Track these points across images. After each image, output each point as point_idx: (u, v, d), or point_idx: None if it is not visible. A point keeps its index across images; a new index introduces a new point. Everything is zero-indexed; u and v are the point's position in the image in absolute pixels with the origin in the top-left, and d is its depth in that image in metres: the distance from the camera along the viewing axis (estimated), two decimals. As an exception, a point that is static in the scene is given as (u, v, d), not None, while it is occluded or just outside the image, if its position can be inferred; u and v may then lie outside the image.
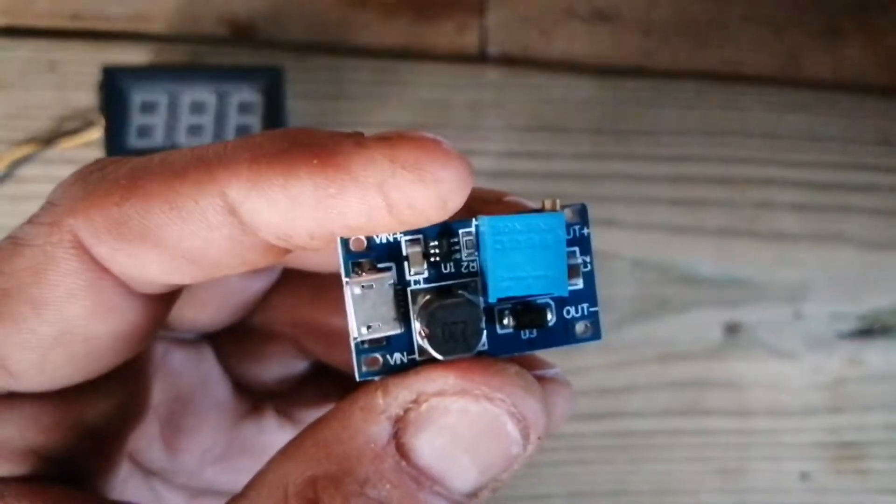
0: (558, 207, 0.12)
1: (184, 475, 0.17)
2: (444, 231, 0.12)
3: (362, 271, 0.12)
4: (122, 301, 0.13)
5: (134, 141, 0.39)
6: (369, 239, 0.12)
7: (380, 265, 0.12)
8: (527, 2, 0.44)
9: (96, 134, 0.39)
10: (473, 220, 0.12)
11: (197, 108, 0.39)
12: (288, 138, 0.12)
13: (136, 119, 0.38)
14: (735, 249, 0.44)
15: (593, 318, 0.13)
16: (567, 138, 0.43)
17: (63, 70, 0.40)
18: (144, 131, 0.39)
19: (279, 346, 0.17)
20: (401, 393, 0.12)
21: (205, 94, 0.39)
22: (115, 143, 0.38)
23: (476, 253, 0.12)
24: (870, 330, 0.45)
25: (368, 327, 0.12)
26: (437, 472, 0.12)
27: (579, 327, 0.13)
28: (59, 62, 0.40)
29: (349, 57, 0.42)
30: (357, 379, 0.12)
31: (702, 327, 0.44)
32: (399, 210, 0.11)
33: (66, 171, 0.41)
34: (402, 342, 0.12)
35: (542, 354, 0.14)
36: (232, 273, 0.13)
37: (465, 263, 0.12)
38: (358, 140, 0.12)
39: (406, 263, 0.12)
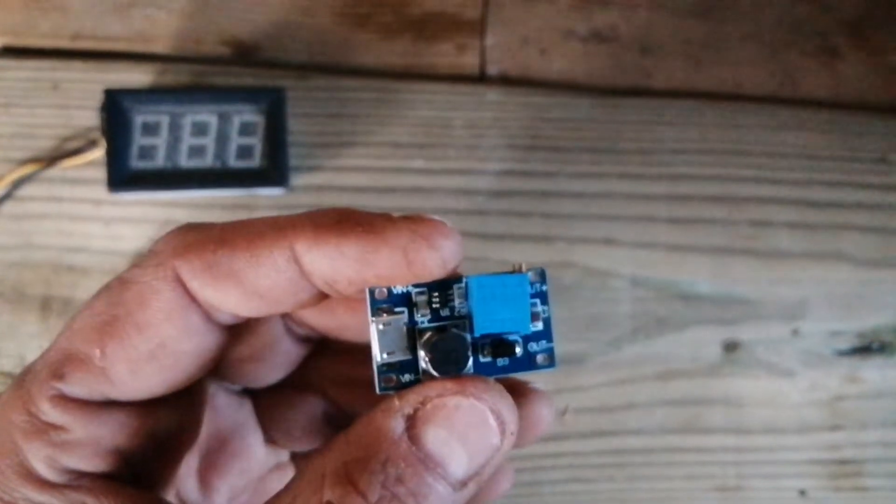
0: (524, 270, 0.17)
1: None
2: (443, 286, 0.17)
3: (383, 313, 0.17)
4: (203, 326, 0.18)
5: (135, 162, 0.39)
6: (389, 290, 0.17)
7: (396, 309, 0.17)
8: (526, 22, 0.44)
9: (98, 154, 0.39)
10: (463, 278, 0.17)
11: (198, 129, 0.39)
12: (339, 214, 0.17)
13: (138, 140, 0.39)
14: (733, 268, 0.44)
15: (550, 352, 0.18)
16: (566, 157, 0.43)
17: (65, 90, 0.41)
18: (146, 152, 0.39)
19: (308, 403, 0.21)
20: (412, 397, 0.16)
21: (206, 115, 0.39)
22: (117, 164, 0.38)
23: (465, 302, 0.17)
24: (868, 347, 0.45)
25: (388, 353, 0.17)
26: (438, 456, 0.16)
27: (539, 358, 0.18)
28: (61, 82, 0.41)
29: (350, 77, 0.42)
30: (377, 392, 0.17)
31: (700, 345, 0.44)
32: (415, 266, 0.16)
33: (67, 191, 0.41)
34: (411, 366, 0.17)
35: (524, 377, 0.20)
36: (285, 310, 0.18)
37: (457, 309, 0.17)
38: (389, 217, 0.17)
39: (415, 309, 0.17)
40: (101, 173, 0.39)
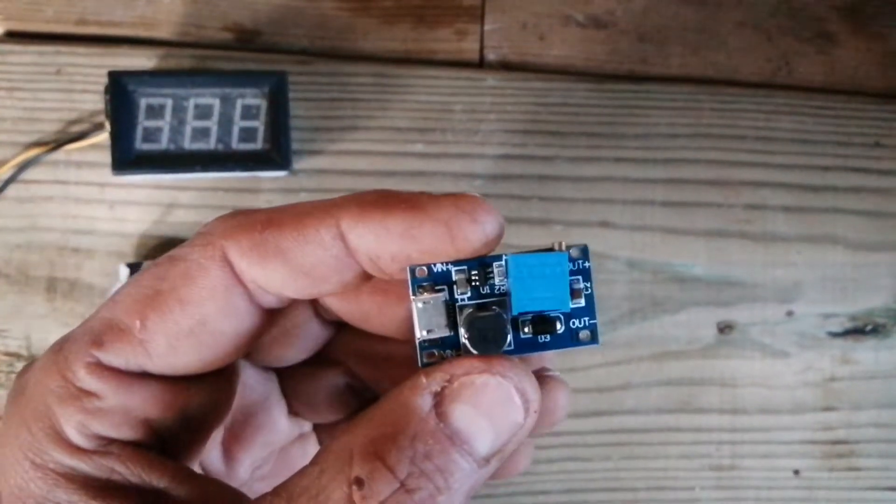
0: (563, 248, 0.17)
1: (234, 484, 0.21)
2: (483, 264, 0.17)
3: (424, 292, 0.17)
4: (245, 307, 0.18)
5: (140, 144, 0.39)
6: (429, 268, 0.17)
7: (436, 287, 0.17)
8: (525, 8, 0.45)
9: (102, 137, 0.40)
10: (504, 256, 0.17)
11: (202, 112, 0.40)
12: (382, 193, 0.18)
13: (142, 123, 0.39)
14: (728, 250, 0.45)
15: (593, 328, 0.18)
16: (564, 142, 0.44)
17: (69, 74, 0.41)
18: (150, 135, 0.39)
19: (331, 376, 0.22)
20: (438, 374, 0.16)
21: (209, 99, 0.40)
22: (121, 146, 0.39)
23: (505, 280, 0.17)
24: (861, 329, 0.46)
25: (428, 331, 0.17)
26: (465, 433, 0.16)
27: (582, 334, 0.18)
28: (65, 66, 0.41)
29: (351, 62, 0.43)
30: (420, 366, 0.17)
31: (695, 327, 0.45)
32: (458, 240, 0.17)
33: (72, 174, 0.41)
34: (451, 342, 0.17)
35: (550, 359, 0.20)
36: (329, 291, 0.18)
37: (497, 287, 0.17)
38: (431, 195, 0.17)
39: (455, 287, 0.17)
40: (105, 156, 0.39)
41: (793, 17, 0.46)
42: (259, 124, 0.40)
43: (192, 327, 0.17)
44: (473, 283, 0.17)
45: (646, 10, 0.45)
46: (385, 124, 0.43)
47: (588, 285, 0.18)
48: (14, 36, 0.42)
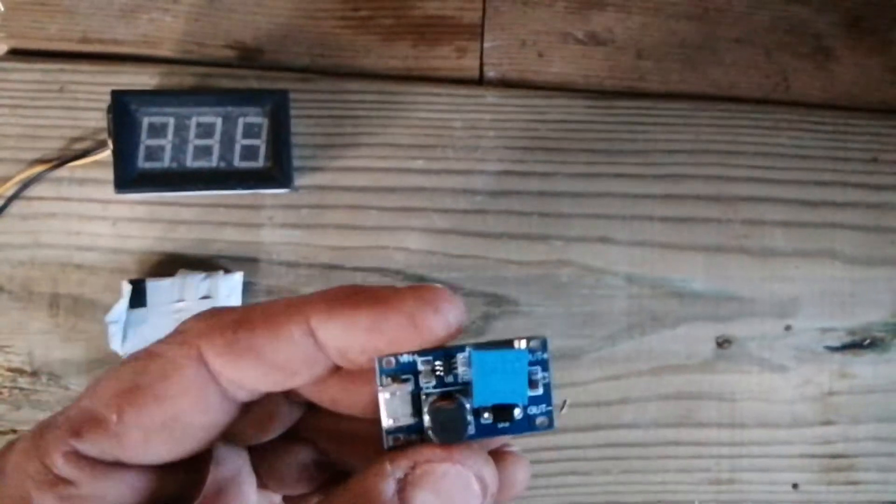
0: (523, 346, 0.18)
1: None
2: (447, 354, 0.18)
3: (391, 382, 0.18)
4: (219, 402, 0.19)
5: (142, 163, 0.40)
6: (396, 359, 0.18)
7: (402, 377, 0.18)
8: (524, 26, 0.45)
9: (105, 154, 0.40)
10: (467, 347, 0.18)
11: (204, 130, 0.40)
12: (348, 289, 0.18)
13: (145, 141, 0.39)
14: (727, 266, 0.45)
15: (549, 414, 0.19)
16: (562, 158, 0.44)
17: (72, 92, 0.41)
18: (152, 153, 0.40)
19: (299, 452, 0.23)
20: (403, 461, 0.17)
21: (211, 117, 0.40)
22: (124, 165, 0.39)
23: (468, 369, 0.18)
24: (859, 344, 0.46)
25: (394, 419, 0.18)
26: None
27: (538, 420, 0.19)
28: (68, 84, 0.41)
29: (352, 80, 0.43)
30: (385, 449, 0.18)
31: (694, 341, 0.45)
32: (422, 330, 0.18)
33: (75, 191, 0.42)
34: (416, 428, 0.18)
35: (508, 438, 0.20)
36: (300, 384, 0.19)
37: (461, 376, 0.18)
38: (395, 288, 0.18)
39: (420, 376, 0.18)
40: (108, 173, 0.39)
41: (791, 34, 0.47)
42: (261, 142, 0.40)
43: (165, 422, 0.18)
44: (438, 374, 0.18)
45: (644, 27, 0.46)
46: (386, 141, 0.43)
47: (546, 375, 0.19)
48: (18, 54, 0.42)
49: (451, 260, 0.43)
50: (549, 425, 0.19)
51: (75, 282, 0.41)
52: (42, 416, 0.40)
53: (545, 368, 0.19)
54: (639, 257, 0.44)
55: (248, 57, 0.43)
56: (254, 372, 0.18)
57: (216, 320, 0.19)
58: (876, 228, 0.46)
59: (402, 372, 0.18)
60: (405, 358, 0.18)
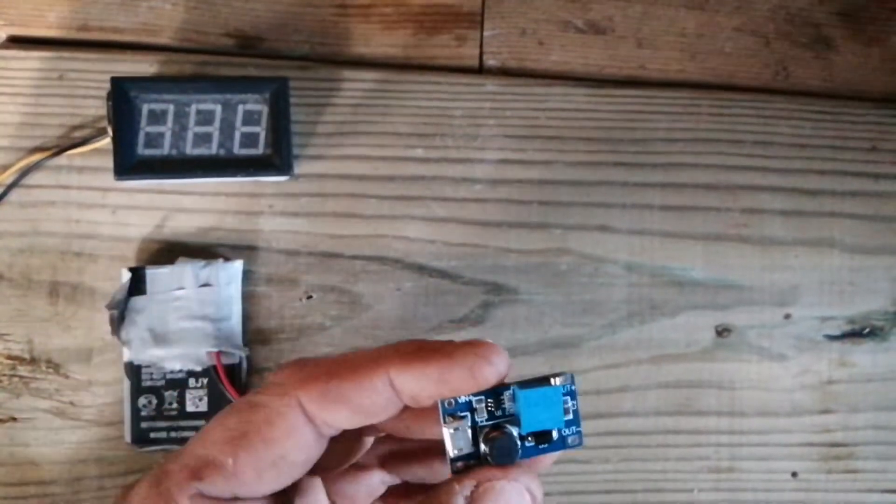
0: (559, 382, 0.23)
1: None
2: (496, 394, 0.22)
3: (452, 419, 0.22)
4: (313, 440, 0.23)
5: (142, 150, 0.40)
6: (455, 400, 0.22)
7: (460, 414, 0.22)
8: (524, 14, 0.45)
9: (104, 142, 0.40)
10: (511, 386, 0.22)
11: (204, 117, 0.40)
12: (417, 345, 0.23)
13: (145, 128, 0.39)
14: (726, 254, 0.45)
15: (579, 434, 0.23)
16: (562, 146, 0.44)
17: (72, 80, 0.41)
18: (152, 140, 0.40)
19: (368, 475, 0.27)
20: (467, 481, 0.21)
21: (211, 104, 0.40)
22: (123, 152, 0.39)
23: (513, 404, 0.22)
24: (859, 332, 0.46)
25: (458, 450, 0.22)
26: None
27: (571, 440, 0.23)
28: (67, 72, 0.41)
29: (352, 68, 0.43)
30: (451, 474, 0.22)
31: (693, 330, 0.45)
32: (478, 378, 0.22)
33: (75, 179, 0.42)
34: (474, 455, 0.22)
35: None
36: (378, 421, 0.23)
37: (507, 410, 0.22)
38: (456, 344, 0.22)
39: (475, 412, 0.22)
40: (107, 161, 0.39)
41: (790, 23, 0.47)
42: (260, 129, 0.40)
43: (274, 461, 0.22)
44: (489, 409, 0.22)
45: (644, 15, 0.46)
46: (385, 129, 0.43)
47: (574, 402, 0.23)
48: (17, 41, 0.42)
49: (451, 248, 0.43)
50: (580, 443, 0.23)
51: (75, 270, 0.41)
52: (41, 403, 0.41)
53: (573, 397, 0.23)
54: (638, 246, 0.45)
55: (248, 45, 0.43)
56: (343, 415, 0.22)
57: (309, 372, 0.23)
58: (875, 217, 0.46)
59: (460, 410, 0.22)
60: (463, 399, 0.22)
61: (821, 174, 0.46)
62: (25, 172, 0.41)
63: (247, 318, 0.42)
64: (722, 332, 0.45)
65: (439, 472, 0.26)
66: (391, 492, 0.27)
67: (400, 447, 0.27)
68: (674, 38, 0.46)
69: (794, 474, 0.46)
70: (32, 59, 0.41)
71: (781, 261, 0.46)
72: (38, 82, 0.41)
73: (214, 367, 0.40)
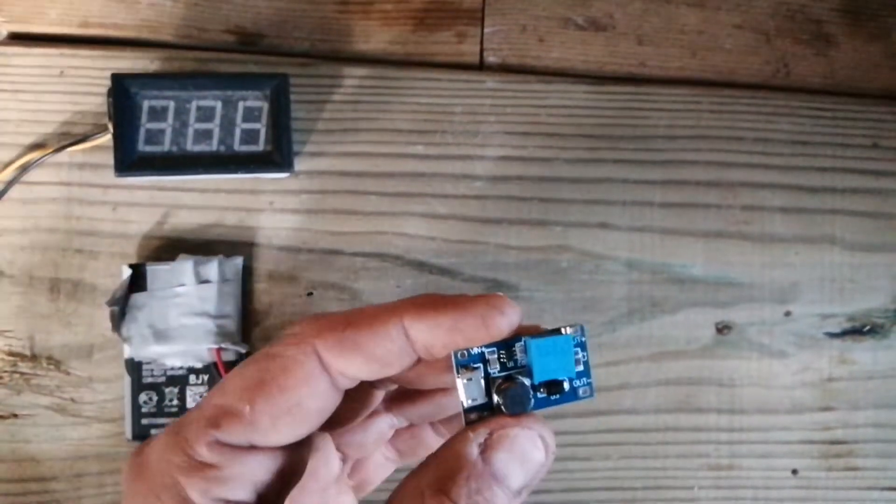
0: (569, 331, 0.23)
1: None
2: (507, 346, 0.23)
3: (465, 370, 0.22)
4: (328, 389, 0.23)
5: (143, 146, 0.40)
6: (468, 351, 0.22)
7: (474, 366, 0.22)
8: (525, 11, 0.45)
9: (105, 139, 0.40)
10: (522, 338, 0.23)
11: (204, 114, 0.40)
12: (433, 298, 0.23)
13: (145, 125, 0.39)
14: (726, 251, 0.45)
15: (589, 386, 0.23)
16: (563, 143, 0.44)
17: (73, 76, 0.41)
18: (153, 137, 0.40)
19: (375, 419, 0.27)
20: (482, 429, 0.22)
21: (211, 101, 0.40)
22: (124, 148, 0.39)
23: (525, 356, 0.23)
24: (859, 330, 0.46)
25: (472, 400, 0.22)
26: (503, 472, 0.21)
27: (581, 391, 0.23)
28: (68, 69, 0.41)
29: (352, 64, 0.43)
30: (465, 424, 0.22)
31: (694, 327, 0.45)
32: (490, 328, 0.22)
33: (75, 176, 0.42)
34: (487, 406, 0.22)
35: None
36: (392, 373, 0.23)
37: (519, 361, 0.23)
38: (469, 296, 0.23)
39: (488, 364, 0.22)
40: (108, 158, 0.39)
41: (791, 20, 0.47)
42: (261, 126, 0.40)
43: (290, 408, 0.22)
44: (501, 361, 0.23)
45: (644, 12, 0.46)
46: (386, 126, 0.43)
47: (585, 354, 0.23)
48: (18, 38, 0.42)
49: (451, 245, 0.43)
50: (591, 394, 0.23)
51: (76, 266, 0.41)
52: (42, 400, 0.41)
53: (584, 349, 0.23)
54: (638, 243, 0.45)
55: (249, 42, 0.43)
56: (358, 363, 0.22)
57: (325, 322, 0.23)
58: (876, 214, 0.46)
59: (473, 362, 0.22)
60: (475, 350, 0.22)
61: (821, 171, 0.46)
62: (26, 169, 0.41)
63: (247, 314, 0.42)
64: (722, 329, 0.45)
65: (447, 406, 0.26)
66: (398, 433, 0.28)
67: (410, 397, 0.27)
68: (674, 35, 0.46)
69: (794, 472, 0.46)
70: (33, 56, 0.41)
71: (782, 258, 0.46)
72: (39, 79, 0.41)
73: (215, 363, 0.40)
